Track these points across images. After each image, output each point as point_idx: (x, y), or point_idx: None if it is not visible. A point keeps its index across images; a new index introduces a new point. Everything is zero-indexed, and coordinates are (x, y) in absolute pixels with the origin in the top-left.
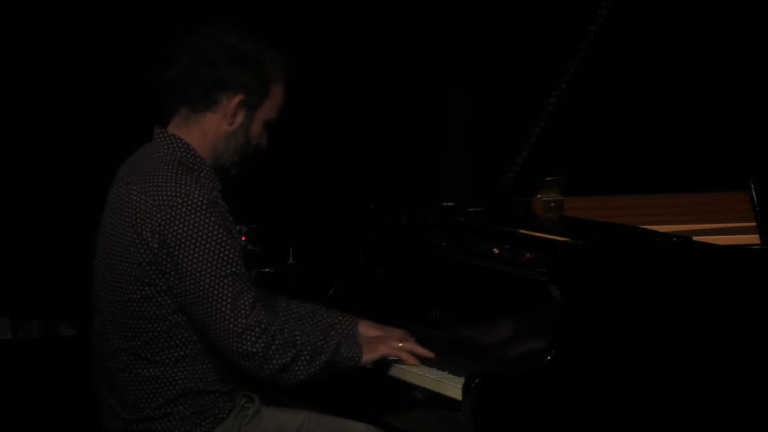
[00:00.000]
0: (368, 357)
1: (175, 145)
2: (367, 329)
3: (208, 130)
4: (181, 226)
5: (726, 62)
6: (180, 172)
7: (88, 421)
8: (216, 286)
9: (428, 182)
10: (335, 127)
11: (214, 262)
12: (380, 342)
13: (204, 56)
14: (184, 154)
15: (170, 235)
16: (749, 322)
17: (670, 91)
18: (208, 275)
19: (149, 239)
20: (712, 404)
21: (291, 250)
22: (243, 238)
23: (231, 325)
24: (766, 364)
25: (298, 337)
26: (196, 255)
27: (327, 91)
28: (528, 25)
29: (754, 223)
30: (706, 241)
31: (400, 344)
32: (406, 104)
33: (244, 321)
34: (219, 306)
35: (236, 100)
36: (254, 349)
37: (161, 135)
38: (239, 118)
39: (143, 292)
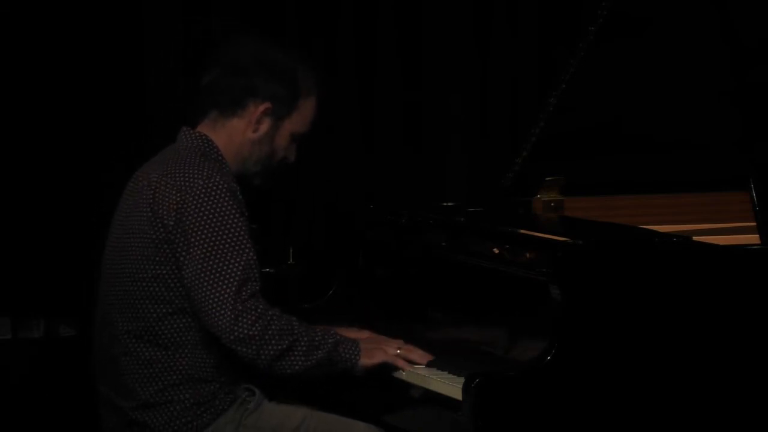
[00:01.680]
0: (365, 361)
1: (199, 140)
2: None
3: (235, 135)
4: (198, 205)
5: (726, 62)
6: (202, 160)
7: (88, 421)
8: (224, 268)
9: (428, 182)
10: (335, 127)
11: (227, 245)
12: (378, 348)
13: (238, 64)
14: (208, 148)
15: (186, 213)
16: (749, 322)
17: (670, 91)
18: (218, 256)
19: (165, 216)
20: (712, 404)
21: (291, 250)
22: None
23: (230, 308)
24: (766, 364)
25: (295, 326)
26: (210, 234)
27: (327, 91)
28: (528, 25)
29: (754, 223)
30: (706, 241)
31: (398, 351)
32: (406, 104)
33: (241, 306)
34: (223, 287)
35: (262, 107)
36: (251, 332)
37: (187, 132)
38: (264, 126)
39: (154, 272)
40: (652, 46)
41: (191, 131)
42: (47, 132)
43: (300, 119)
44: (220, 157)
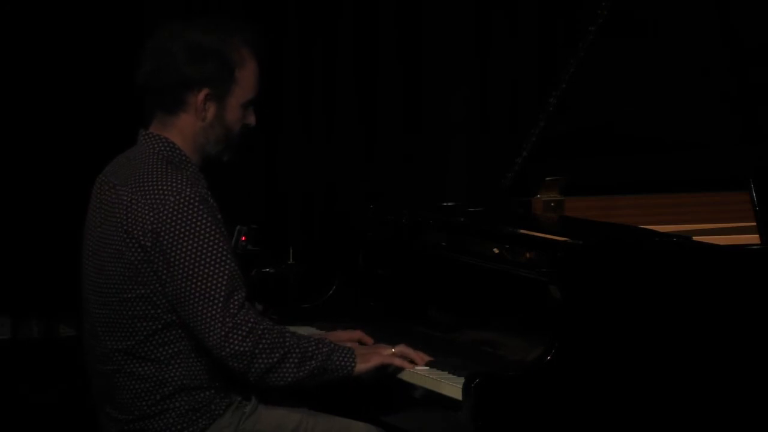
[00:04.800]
0: (361, 367)
1: (160, 144)
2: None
3: (186, 129)
4: (173, 223)
5: (726, 63)
6: (169, 170)
7: (88, 421)
8: (209, 284)
9: (428, 182)
10: (335, 127)
11: (208, 260)
12: (373, 352)
13: (163, 58)
14: (170, 152)
15: (163, 233)
16: (749, 322)
17: (671, 91)
18: (201, 273)
19: (141, 238)
20: (712, 404)
21: (291, 250)
22: (243, 238)
23: (219, 324)
24: (766, 364)
25: (287, 339)
26: (189, 252)
27: (327, 91)
28: (528, 25)
29: (754, 223)
30: (706, 241)
31: (393, 350)
32: (406, 104)
33: (231, 320)
34: (210, 304)
35: (201, 95)
36: (242, 348)
37: (146, 136)
38: (210, 112)
39: (137, 292)
40: (652, 47)
41: (150, 134)
42: (47, 133)
43: (243, 90)
44: (184, 158)
